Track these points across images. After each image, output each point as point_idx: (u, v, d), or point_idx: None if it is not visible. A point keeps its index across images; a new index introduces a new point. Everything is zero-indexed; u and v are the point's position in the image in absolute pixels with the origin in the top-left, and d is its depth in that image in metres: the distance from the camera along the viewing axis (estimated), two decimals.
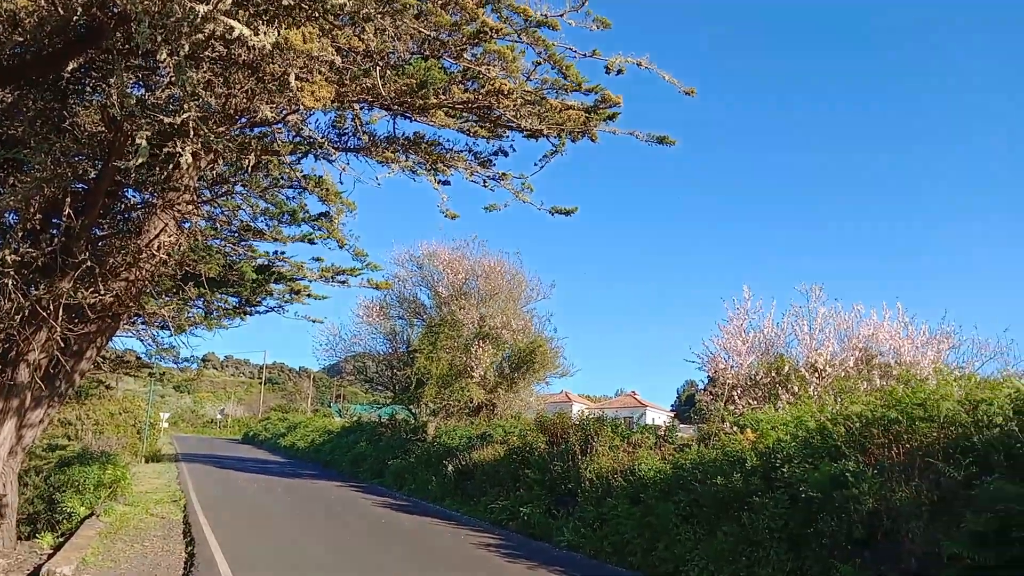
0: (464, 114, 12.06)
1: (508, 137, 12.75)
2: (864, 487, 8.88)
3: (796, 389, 16.18)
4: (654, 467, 13.05)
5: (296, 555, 11.70)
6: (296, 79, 8.09)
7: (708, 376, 19.66)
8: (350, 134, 13.12)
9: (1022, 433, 7.99)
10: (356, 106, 11.52)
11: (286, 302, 18.12)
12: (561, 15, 10.11)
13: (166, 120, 8.41)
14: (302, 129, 11.89)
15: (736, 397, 16.76)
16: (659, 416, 57.86)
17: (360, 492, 23.48)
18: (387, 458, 28.05)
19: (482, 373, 28.70)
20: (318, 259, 16.72)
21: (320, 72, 9.24)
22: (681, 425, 26.45)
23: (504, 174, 13.25)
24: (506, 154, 13.17)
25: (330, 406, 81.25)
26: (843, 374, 16.55)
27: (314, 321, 26.04)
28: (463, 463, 20.93)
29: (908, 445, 9.37)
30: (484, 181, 12.96)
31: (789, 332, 17.96)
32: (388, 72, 10.02)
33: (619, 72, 11.06)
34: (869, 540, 8.88)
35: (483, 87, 10.49)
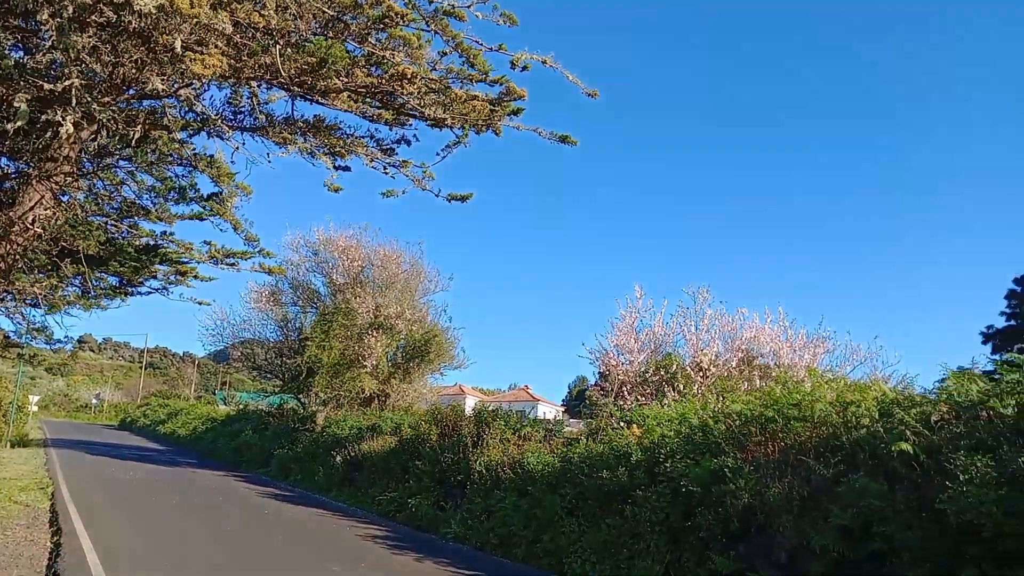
0: (367, 99, 11.88)
1: (411, 125, 12.64)
2: (741, 482, 9.24)
3: (682, 387, 16.69)
4: (543, 460, 13.22)
5: (173, 546, 11.26)
6: (185, 47, 7.76)
7: (600, 372, 20.06)
8: (246, 113, 12.72)
9: (886, 434, 8.46)
10: (253, 83, 11.18)
11: (171, 284, 17.42)
12: (468, 6, 10.11)
13: (46, 86, 7.94)
14: (195, 105, 11.43)
15: (625, 393, 17.15)
16: (550, 410, 58.65)
17: (243, 482, 22.84)
18: (273, 448, 27.42)
19: (375, 363, 28.38)
20: (208, 243, 16.15)
21: (216, 46, 8.91)
22: (571, 420, 26.92)
23: (405, 162, 13.14)
24: (409, 143, 13.06)
25: (215, 393, 78.71)
26: (726, 374, 17.18)
27: (200, 304, 24.96)
28: (352, 454, 20.66)
29: (783, 443, 9.80)
30: (385, 168, 12.82)
31: (677, 332, 18.49)
32: (288, 50, 9.76)
33: (524, 68, 11.14)
34: (744, 534, 9.26)
35: (387, 72, 10.36)
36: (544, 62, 10.94)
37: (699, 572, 9.42)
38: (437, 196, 12.86)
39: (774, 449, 9.82)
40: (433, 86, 10.68)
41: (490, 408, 17.57)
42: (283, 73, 9.38)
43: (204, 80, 9.55)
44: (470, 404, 32.76)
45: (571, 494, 11.97)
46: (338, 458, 21.19)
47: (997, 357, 9.99)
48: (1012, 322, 45.75)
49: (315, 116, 12.28)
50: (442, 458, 16.14)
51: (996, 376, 8.70)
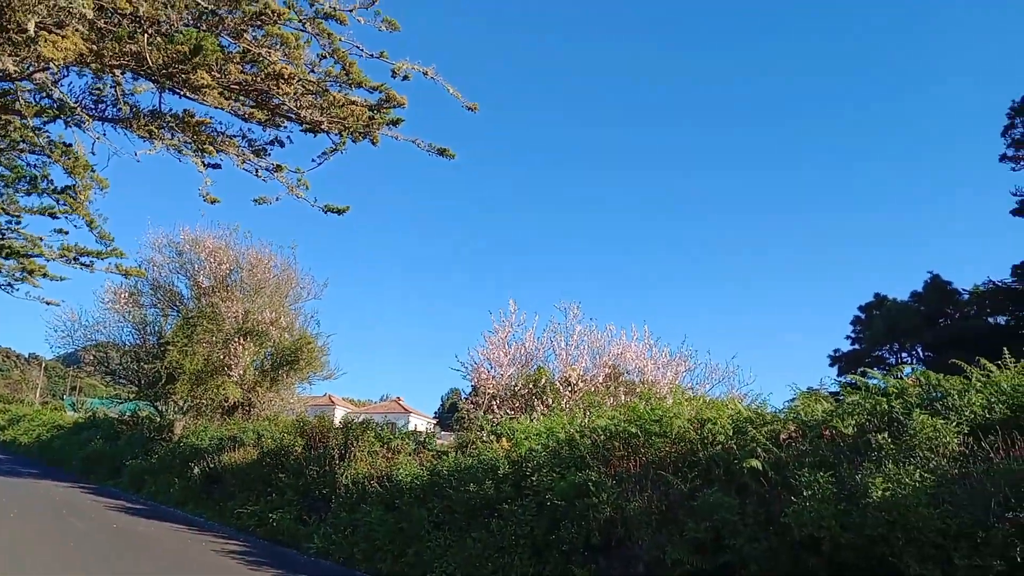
0: (241, 96, 11.51)
1: (286, 128, 12.33)
2: (604, 496, 9.47)
3: (551, 401, 16.96)
4: (411, 473, 13.10)
5: (10, 564, 10.44)
6: (41, 28, 7.30)
7: (472, 385, 20.09)
8: (109, 103, 12.06)
9: (739, 450, 8.90)
10: (118, 72, 10.62)
11: (16, 280, 16.21)
12: (350, 10, 9.98)
13: None
14: (52, 90, 10.76)
15: (495, 407, 17.25)
16: (423, 423, 58.41)
17: (91, 494, 21.48)
18: (125, 458, 25.95)
19: (241, 372, 27.35)
20: (61, 231, 15.13)
21: (76, 29, 8.42)
22: (443, 432, 26.83)
23: (280, 166, 12.79)
24: (283, 144, 12.73)
25: (63, 399, 73.69)
26: (593, 389, 17.58)
27: (48, 303, 23.27)
28: (212, 465, 19.79)
29: (644, 458, 10.12)
30: (257, 170, 12.44)
31: (548, 347, 18.78)
32: (158, 39, 9.33)
33: (405, 78, 11.10)
34: (605, 547, 9.49)
35: (263, 70, 10.07)
36: (426, 73, 10.93)
37: None
38: (313, 206, 12.59)
39: (636, 464, 10.12)
40: (311, 88, 10.48)
41: (359, 420, 17.27)
42: (150, 62, 8.95)
43: (59, 64, 8.98)
44: (340, 415, 32.09)
45: (439, 507, 11.91)
46: (196, 470, 20.26)
47: (842, 379, 10.69)
48: (856, 346, 49.30)
49: (184, 111, 11.77)
50: (307, 471, 15.72)
51: (840, 397, 9.32)
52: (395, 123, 11.89)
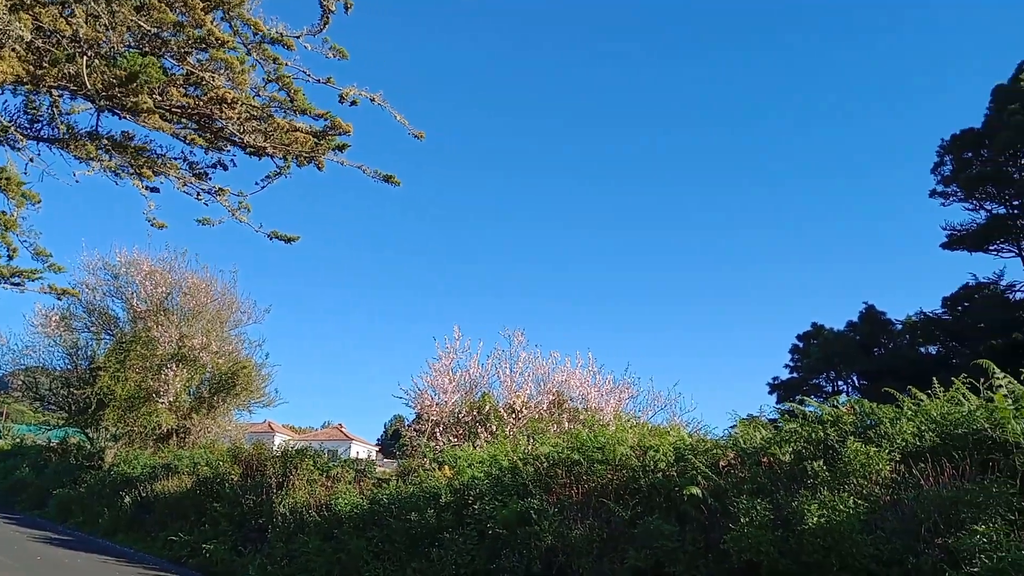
0: (183, 120, 11.33)
1: (229, 151, 12.16)
2: (545, 524, 9.43)
3: (495, 428, 16.89)
4: (351, 502, 12.87)
5: None
6: None
7: (415, 412, 19.91)
8: (45, 122, 11.75)
9: (679, 477, 8.97)
10: (55, 92, 10.38)
11: None
12: (298, 36, 9.93)
13: None
14: None
15: (438, 434, 17.11)
16: (365, 450, 57.56)
17: (14, 524, 20.58)
18: (52, 487, 24.98)
19: (175, 398, 26.63)
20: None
21: (14, 50, 8.21)
22: (385, 460, 26.47)
23: (222, 189, 12.59)
24: (226, 168, 12.54)
25: None
26: (538, 416, 17.59)
27: None
28: (143, 494, 19.18)
29: (587, 485, 10.13)
30: (198, 194, 12.21)
31: (493, 373, 18.75)
32: (97, 61, 9.15)
33: (353, 103, 11.07)
34: (546, 575, 9.43)
35: (206, 94, 9.94)
36: (373, 99, 10.92)
37: None
38: (257, 231, 12.40)
39: (579, 491, 10.12)
40: (255, 113, 10.36)
41: (298, 447, 16.95)
42: (88, 85, 8.75)
43: None
44: (279, 442, 31.44)
45: (378, 536, 11.71)
46: (127, 499, 19.61)
47: (781, 406, 10.90)
48: (794, 374, 50.31)
49: (123, 133, 11.53)
50: (243, 500, 15.32)
51: (779, 424, 9.48)
52: (341, 148, 11.83)
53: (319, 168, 11.66)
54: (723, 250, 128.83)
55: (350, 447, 58.50)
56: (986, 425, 7.33)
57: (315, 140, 10.93)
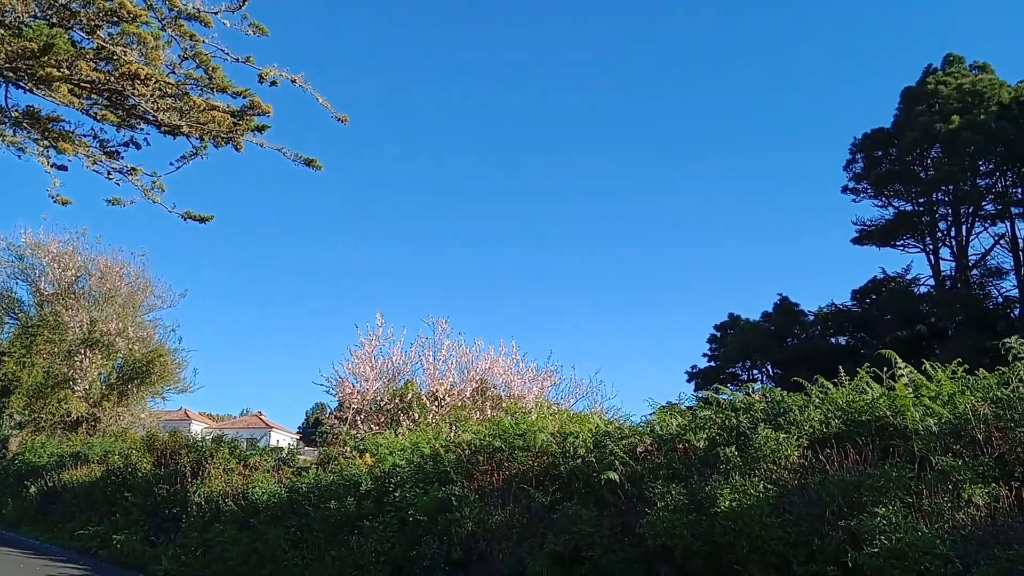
0: (93, 95, 10.88)
1: (143, 129, 11.76)
2: (466, 511, 9.47)
3: (417, 416, 16.85)
4: (268, 491, 12.65)
5: None
6: None
7: (337, 400, 19.71)
8: None
9: (598, 463, 9.12)
10: None
11: None
12: (216, 13, 9.64)
13: None
14: None
15: (360, 421, 16.98)
16: (285, 438, 56.65)
17: None
18: None
19: (87, 386, 25.69)
20: None
21: None
22: (307, 448, 26.07)
23: (134, 168, 12.18)
24: (138, 146, 12.15)
25: None
26: (461, 403, 17.62)
27: None
28: (50, 484, 18.50)
29: (508, 472, 10.20)
30: (109, 172, 11.77)
31: (416, 361, 18.70)
32: (2, 32, 8.71)
33: (273, 84, 10.84)
34: (466, 561, 9.47)
35: (118, 69, 9.55)
36: (294, 81, 10.70)
37: None
38: (171, 212, 12.03)
39: (499, 478, 10.18)
40: (169, 91, 10.02)
41: (214, 435, 16.58)
42: None
43: None
44: (196, 430, 30.66)
45: (297, 525, 11.56)
46: (32, 488, 18.89)
47: (698, 394, 11.19)
48: (711, 363, 51.67)
49: (28, 107, 11.00)
50: (157, 489, 14.90)
51: (696, 412, 9.73)
52: (260, 130, 11.58)
53: (237, 149, 11.38)
54: (646, 242, 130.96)
55: (270, 435, 57.53)
56: (888, 413, 7.68)
57: (233, 120, 10.66)
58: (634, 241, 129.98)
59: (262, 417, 68.95)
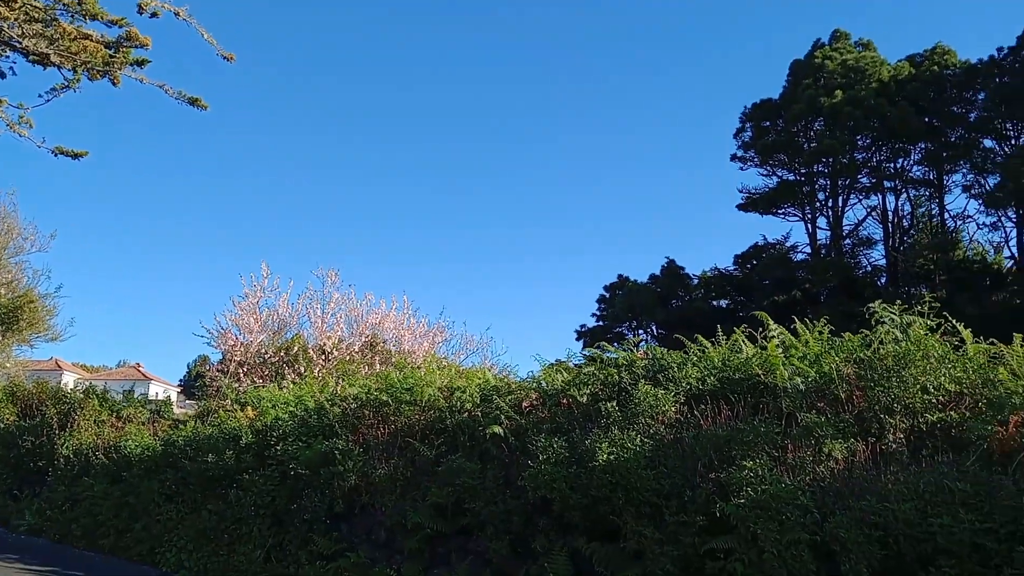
0: None
1: (8, 57, 10.87)
2: (350, 464, 9.39)
3: (303, 370, 16.56)
4: (142, 444, 12.19)
5: None
6: None
7: (221, 353, 19.15)
8: None
9: (484, 418, 9.20)
10: None
11: None
12: None
13: None
14: None
15: (243, 374, 16.55)
16: (165, 391, 54.80)
17: None
18: None
19: None
20: None
21: None
22: (188, 401, 25.28)
23: None
24: (3, 75, 11.24)
25: None
26: (349, 358, 17.42)
27: None
28: None
29: (394, 426, 10.17)
30: None
31: (303, 314, 18.33)
32: None
33: (154, 15, 10.24)
34: (348, 514, 9.45)
35: None
36: (177, 13, 10.12)
37: (300, 555, 9.42)
38: (40, 146, 11.24)
39: (385, 431, 10.14)
40: (37, 15, 9.26)
41: (87, 386, 15.82)
42: None
43: None
44: (68, 381, 29.20)
45: (172, 479, 11.22)
46: None
47: (585, 352, 11.42)
48: (600, 322, 52.96)
49: None
50: (21, 442, 14.11)
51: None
52: (140, 64, 10.91)
53: (114, 84, 10.67)
54: (541, 202, 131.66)
55: (149, 387, 55.50)
56: (759, 371, 8.04)
57: (109, 52, 9.97)
58: (529, 198, 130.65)
59: (140, 369, 66.28)
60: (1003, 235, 40.74)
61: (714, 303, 47.38)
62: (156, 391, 49.29)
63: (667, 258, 49.88)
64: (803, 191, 45.71)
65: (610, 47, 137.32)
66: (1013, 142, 39.41)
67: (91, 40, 9.81)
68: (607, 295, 53.07)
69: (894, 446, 6.65)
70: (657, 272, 49.81)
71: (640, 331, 50.47)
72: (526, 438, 8.40)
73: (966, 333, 7.80)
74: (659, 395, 7.91)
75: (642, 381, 8.36)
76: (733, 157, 48.57)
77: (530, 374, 10.98)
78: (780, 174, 46.88)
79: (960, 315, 8.52)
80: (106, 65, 10.52)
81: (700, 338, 9.44)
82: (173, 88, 11.12)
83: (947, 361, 7.28)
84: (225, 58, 10.76)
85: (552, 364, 10.55)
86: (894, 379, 7.09)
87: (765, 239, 46.66)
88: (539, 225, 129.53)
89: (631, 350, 10.06)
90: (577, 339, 52.12)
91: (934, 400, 7.08)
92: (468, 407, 9.72)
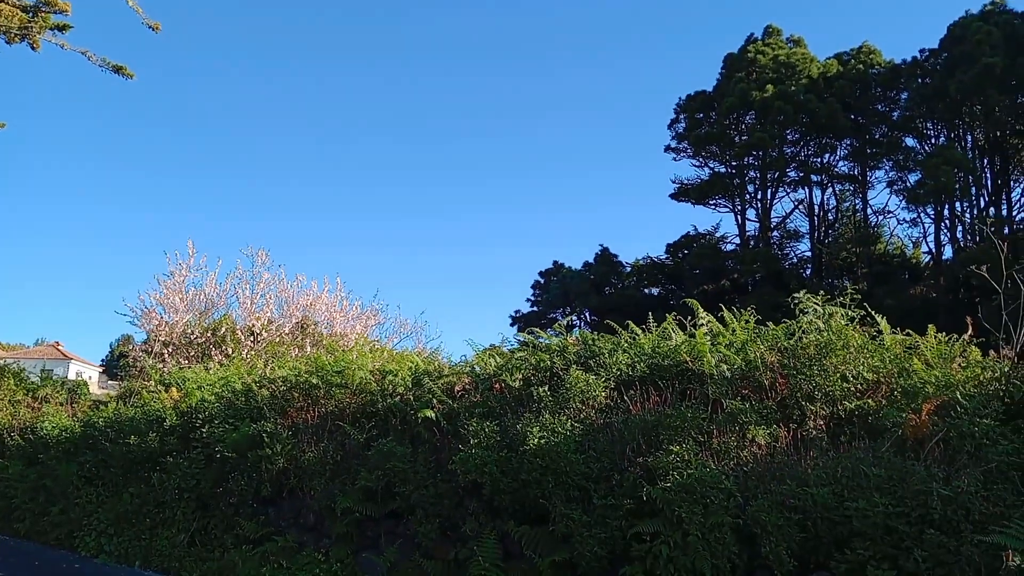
0: None
1: None
2: (278, 447, 9.25)
3: (231, 351, 16.23)
4: (60, 425, 11.80)
5: None
6: None
7: (145, 332, 18.61)
8: None
9: (416, 401, 9.16)
10: None
11: None
12: None
13: None
14: None
15: (168, 355, 16.12)
16: (86, 371, 53.09)
17: None
18: None
19: None
20: None
21: None
22: (110, 381, 24.49)
23: None
24: None
25: None
26: (279, 339, 17.13)
27: None
28: None
29: (324, 409, 10.06)
30: None
31: (232, 294, 17.94)
32: None
33: None
34: (276, 498, 9.31)
35: None
36: None
37: (225, 539, 9.26)
38: None
39: (315, 415, 10.03)
40: None
41: (1, 364, 15.22)
42: None
43: None
44: None
45: (92, 461, 10.89)
46: None
47: (519, 338, 11.46)
48: (535, 308, 53.30)
49: None
50: None
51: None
52: (61, 29, 10.44)
53: (33, 48, 10.20)
54: (477, 189, 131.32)
55: (68, 367, 53.68)
56: (687, 358, 8.20)
57: (26, 16, 9.53)
58: (467, 186, 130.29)
59: (60, 347, 63.98)
60: (922, 231, 42.47)
61: (646, 291, 48.20)
62: (77, 371, 47.80)
63: (601, 246, 50.52)
64: (734, 183, 46.72)
65: (546, 39, 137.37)
66: (933, 141, 41.00)
67: (7, 3, 9.36)
68: (542, 281, 53.43)
69: (814, 432, 6.86)
70: (591, 260, 50.36)
71: (574, 317, 50.98)
72: (458, 422, 8.41)
73: (884, 324, 8.11)
74: (590, 380, 7.99)
75: (574, 367, 8.45)
76: (667, 148, 49.32)
77: (463, 358, 10.99)
78: (712, 166, 47.82)
79: (879, 307, 8.86)
80: (24, 30, 10.04)
81: (631, 325, 9.58)
82: (96, 55, 10.68)
83: (866, 351, 7.55)
84: (151, 27, 10.39)
85: (486, 349, 10.58)
86: (816, 368, 7.32)
87: (696, 229, 47.63)
88: (475, 212, 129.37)
89: (563, 336, 10.15)
90: (512, 324, 52.46)
91: (853, 388, 7.33)
92: (400, 391, 9.67)
